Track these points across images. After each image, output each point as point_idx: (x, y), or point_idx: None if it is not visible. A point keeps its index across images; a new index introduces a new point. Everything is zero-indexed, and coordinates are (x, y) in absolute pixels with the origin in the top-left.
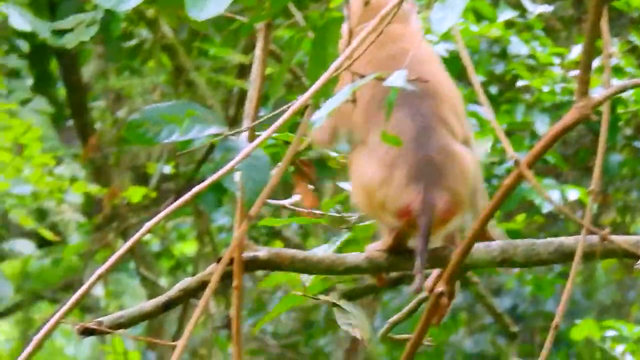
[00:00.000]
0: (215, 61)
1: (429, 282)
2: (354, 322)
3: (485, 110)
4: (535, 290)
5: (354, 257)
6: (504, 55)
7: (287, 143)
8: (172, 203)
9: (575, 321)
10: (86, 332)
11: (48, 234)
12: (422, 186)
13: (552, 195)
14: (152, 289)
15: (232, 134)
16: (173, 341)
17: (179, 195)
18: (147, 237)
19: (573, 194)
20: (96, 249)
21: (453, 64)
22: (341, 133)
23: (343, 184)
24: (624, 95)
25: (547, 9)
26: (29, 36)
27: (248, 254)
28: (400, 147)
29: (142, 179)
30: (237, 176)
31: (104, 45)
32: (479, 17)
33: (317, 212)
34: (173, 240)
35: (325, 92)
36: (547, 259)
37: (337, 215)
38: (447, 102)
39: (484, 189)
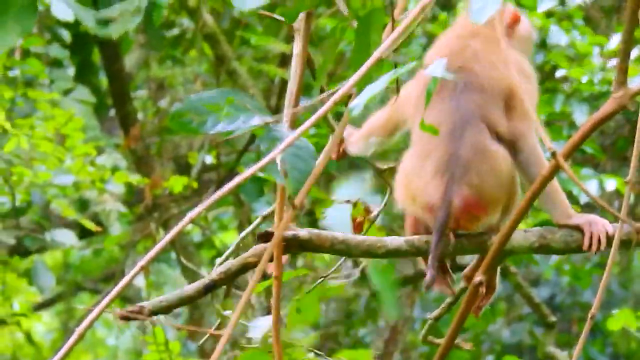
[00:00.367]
0: (256, 50)
1: (466, 271)
2: None
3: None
4: (573, 280)
5: (394, 240)
6: (543, 45)
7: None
8: (213, 193)
9: (612, 311)
10: (126, 317)
11: (89, 225)
12: (445, 181)
13: (589, 186)
14: (193, 279)
15: (274, 122)
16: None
17: (220, 185)
18: (189, 227)
19: (611, 184)
20: (137, 240)
21: None
22: (399, 127)
23: None
24: None
25: None
26: (70, 25)
27: (288, 233)
28: (437, 140)
29: (183, 169)
30: (279, 165)
31: (145, 34)
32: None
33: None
34: (214, 230)
35: (369, 80)
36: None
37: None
38: (495, 98)
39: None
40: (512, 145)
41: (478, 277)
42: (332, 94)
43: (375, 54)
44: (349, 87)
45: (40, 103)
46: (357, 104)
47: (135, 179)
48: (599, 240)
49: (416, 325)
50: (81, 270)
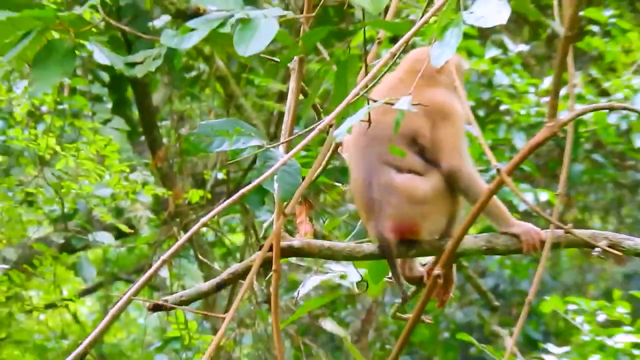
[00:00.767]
0: (259, 89)
1: (427, 267)
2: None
3: (474, 129)
4: (513, 272)
5: (369, 246)
6: (489, 85)
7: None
8: (223, 202)
9: (544, 297)
10: (155, 308)
11: (124, 228)
12: (372, 222)
13: (526, 197)
14: (208, 272)
15: (272, 147)
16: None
17: (229, 196)
18: (203, 229)
19: (543, 196)
20: (163, 240)
21: None
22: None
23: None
24: (584, 117)
25: (524, 48)
26: (109, 68)
27: (284, 243)
28: (358, 186)
29: (200, 183)
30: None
31: (169, 75)
32: (470, 54)
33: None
34: (224, 232)
35: (347, 113)
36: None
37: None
38: (399, 142)
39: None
40: (451, 178)
41: (436, 271)
42: (317, 124)
43: (352, 93)
44: (331, 119)
45: (84, 130)
46: (338, 132)
47: (160, 191)
48: (534, 247)
49: (386, 309)
50: (117, 264)
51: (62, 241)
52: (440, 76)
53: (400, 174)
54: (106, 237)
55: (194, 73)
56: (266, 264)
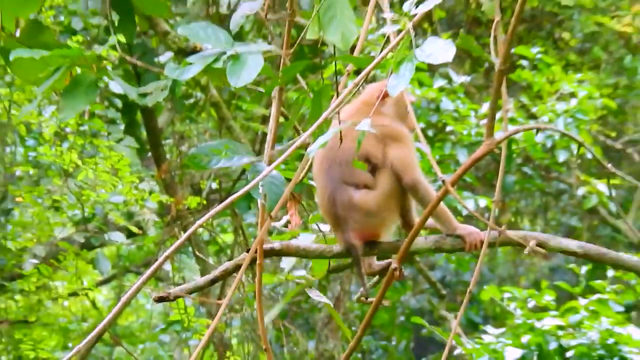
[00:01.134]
0: (246, 113)
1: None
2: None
3: (424, 147)
4: (457, 266)
5: (337, 247)
6: (437, 109)
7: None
8: (216, 207)
9: (484, 287)
10: (160, 299)
11: (134, 229)
12: (340, 232)
13: (468, 204)
14: (203, 266)
15: (257, 161)
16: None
17: (221, 202)
18: (200, 230)
19: (482, 202)
20: (166, 239)
21: None
22: None
23: None
24: (516, 136)
25: (466, 79)
26: (121, 96)
27: (267, 245)
28: (325, 203)
29: (197, 192)
30: (261, 189)
31: (172, 102)
32: (421, 84)
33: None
34: (217, 232)
35: (320, 132)
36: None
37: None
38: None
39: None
40: (412, 189)
41: (394, 265)
42: (294, 142)
43: (325, 115)
44: (306, 137)
45: (101, 148)
46: (312, 149)
47: (164, 198)
48: (475, 245)
49: (352, 297)
50: (128, 259)
51: (82, 240)
52: (385, 107)
53: (358, 191)
54: (119, 237)
55: (192, 100)
56: (253, 261)
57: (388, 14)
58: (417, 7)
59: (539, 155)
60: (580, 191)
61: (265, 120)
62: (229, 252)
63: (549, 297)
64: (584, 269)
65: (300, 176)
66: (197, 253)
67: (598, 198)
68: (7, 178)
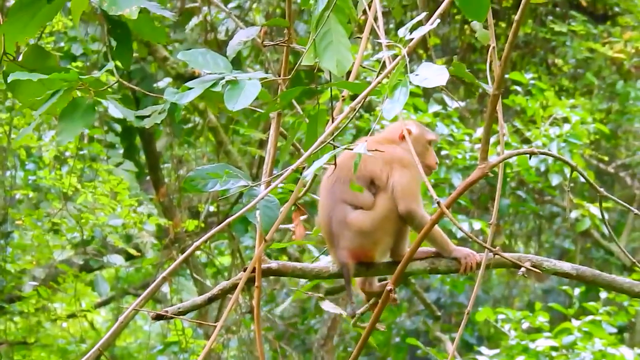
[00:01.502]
0: (243, 137)
1: (380, 284)
2: (335, 309)
3: (420, 171)
4: (452, 288)
5: (333, 267)
6: None
7: (290, 191)
8: (214, 230)
9: (478, 308)
10: (157, 317)
11: (132, 251)
12: (334, 251)
13: (463, 226)
14: (201, 288)
15: (254, 185)
16: (215, 322)
17: (219, 225)
18: (197, 252)
19: (477, 225)
20: (164, 261)
21: None
22: None
23: None
24: (510, 160)
25: (460, 104)
26: (120, 120)
27: (264, 265)
28: (323, 218)
29: (195, 215)
30: (258, 213)
31: (170, 126)
32: (416, 108)
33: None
34: (215, 254)
35: (316, 157)
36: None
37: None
38: (359, 183)
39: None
40: (407, 217)
41: (389, 286)
42: (291, 166)
43: (320, 140)
44: (302, 161)
45: (100, 172)
46: (308, 172)
47: (163, 221)
48: (471, 267)
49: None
50: (127, 281)
51: (81, 262)
52: (404, 144)
53: (354, 211)
54: (118, 259)
55: (190, 124)
56: (249, 282)
57: (383, 40)
58: (411, 32)
59: (532, 179)
60: (574, 214)
61: (262, 144)
62: (226, 274)
63: (542, 319)
64: (577, 291)
65: (300, 193)
66: (195, 275)
67: (591, 221)
68: (7, 201)
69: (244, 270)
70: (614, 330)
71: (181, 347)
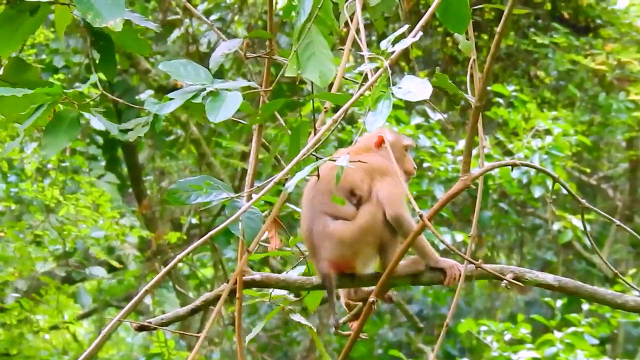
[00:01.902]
0: (226, 149)
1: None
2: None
3: (403, 182)
4: (434, 300)
5: (316, 279)
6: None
7: (271, 204)
8: (196, 242)
9: (460, 320)
10: (140, 328)
11: (115, 263)
12: (316, 262)
13: (445, 238)
14: (184, 300)
15: (237, 197)
16: (197, 334)
17: (201, 237)
18: (180, 264)
19: (459, 237)
20: (147, 273)
21: None
22: None
23: None
24: (492, 172)
25: (442, 116)
26: (103, 133)
27: (248, 277)
28: (304, 230)
29: (177, 227)
30: (240, 225)
31: (152, 139)
32: (399, 121)
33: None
34: (197, 266)
35: (298, 168)
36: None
37: (298, 249)
38: (339, 193)
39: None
40: (395, 223)
41: (372, 298)
42: (274, 178)
43: (302, 152)
44: (285, 173)
45: (82, 184)
46: (290, 184)
47: (145, 233)
48: (455, 278)
49: (331, 330)
50: (109, 293)
51: (64, 274)
52: (382, 151)
53: (334, 222)
54: (100, 271)
55: (172, 137)
56: (232, 293)
57: (365, 52)
58: (394, 45)
59: (514, 191)
60: (556, 226)
61: (244, 156)
62: (209, 286)
63: (524, 330)
64: (559, 303)
65: (280, 205)
66: (177, 287)
67: (573, 233)
68: None
69: (227, 282)
70: (596, 341)
71: (164, 358)
